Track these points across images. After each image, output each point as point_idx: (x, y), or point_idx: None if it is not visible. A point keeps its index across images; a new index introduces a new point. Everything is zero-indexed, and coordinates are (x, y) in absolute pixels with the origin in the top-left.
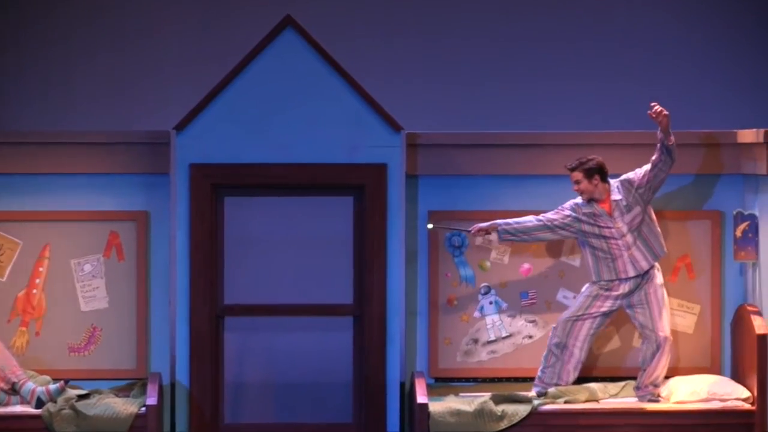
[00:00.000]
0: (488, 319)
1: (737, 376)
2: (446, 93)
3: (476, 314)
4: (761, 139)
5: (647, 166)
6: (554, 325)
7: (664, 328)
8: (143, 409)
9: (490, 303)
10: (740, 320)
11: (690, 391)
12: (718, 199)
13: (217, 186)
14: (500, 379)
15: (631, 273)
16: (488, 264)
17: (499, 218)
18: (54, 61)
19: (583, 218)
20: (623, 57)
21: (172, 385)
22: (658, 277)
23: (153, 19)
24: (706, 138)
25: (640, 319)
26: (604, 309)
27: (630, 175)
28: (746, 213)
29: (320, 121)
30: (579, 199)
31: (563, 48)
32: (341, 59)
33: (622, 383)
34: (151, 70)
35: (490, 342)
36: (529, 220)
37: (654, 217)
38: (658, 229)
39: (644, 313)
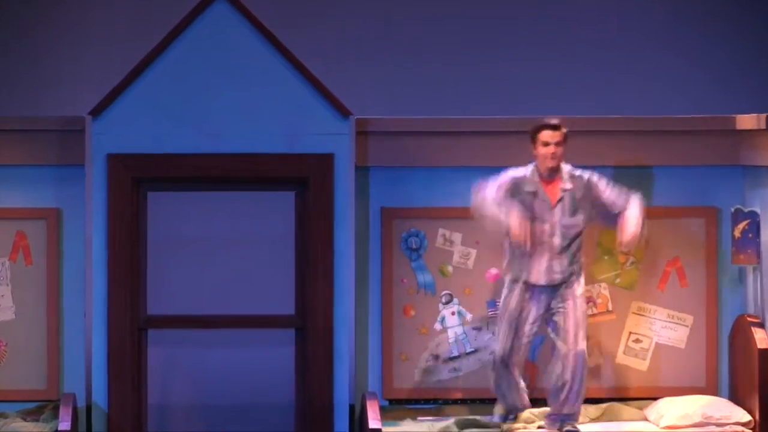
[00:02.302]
0: (450, 332)
1: (736, 397)
2: (400, 74)
3: (437, 326)
4: (763, 126)
5: (610, 194)
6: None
7: (579, 341)
8: None
9: (453, 313)
10: (739, 333)
11: (681, 414)
12: (714, 193)
13: (138, 179)
14: (464, 401)
15: (542, 281)
16: (450, 269)
17: (463, 215)
18: None
19: (527, 199)
20: (605, 37)
21: (88, 408)
22: (579, 287)
23: None
24: (700, 124)
25: (556, 318)
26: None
27: (596, 179)
28: (746, 210)
29: (257, 105)
30: (520, 172)
31: (537, 26)
32: (282, 36)
33: (604, 405)
34: (64, 47)
35: (452, 358)
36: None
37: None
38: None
39: (560, 318)
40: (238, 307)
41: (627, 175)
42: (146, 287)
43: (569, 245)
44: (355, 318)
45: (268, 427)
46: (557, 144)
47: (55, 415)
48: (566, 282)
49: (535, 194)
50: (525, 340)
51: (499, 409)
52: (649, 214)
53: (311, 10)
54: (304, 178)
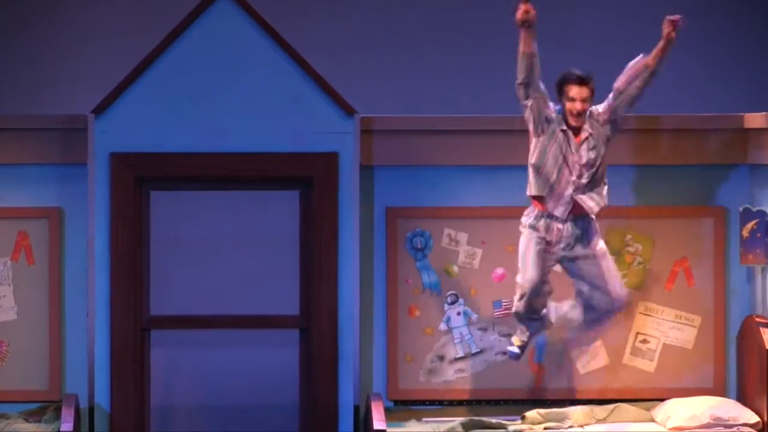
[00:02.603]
0: (456, 333)
1: (744, 398)
2: (406, 72)
3: (442, 326)
4: None
5: (616, 95)
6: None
7: (621, 288)
8: None
9: (458, 314)
10: (748, 334)
11: (689, 416)
12: (722, 193)
13: (141, 179)
14: (470, 402)
15: (559, 212)
16: (456, 268)
17: (468, 215)
18: None
19: (560, 135)
20: (610, 32)
21: (91, 409)
22: (601, 241)
23: None
24: (707, 123)
25: (586, 270)
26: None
27: (598, 109)
28: (755, 209)
29: (261, 104)
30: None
31: (542, 24)
32: (286, 33)
33: (611, 406)
34: (66, 44)
35: (458, 359)
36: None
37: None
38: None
39: (591, 268)
40: (242, 307)
41: (634, 174)
42: (149, 287)
43: (592, 180)
44: (359, 318)
45: (272, 428)
46: (583, 101)
47: (58, 416)
48: (588, 228)
49: (562, 132)
50: (549, 267)
51: (517, 340)
52: (657, 213)
53: (315, 8)
54: (308, 177)
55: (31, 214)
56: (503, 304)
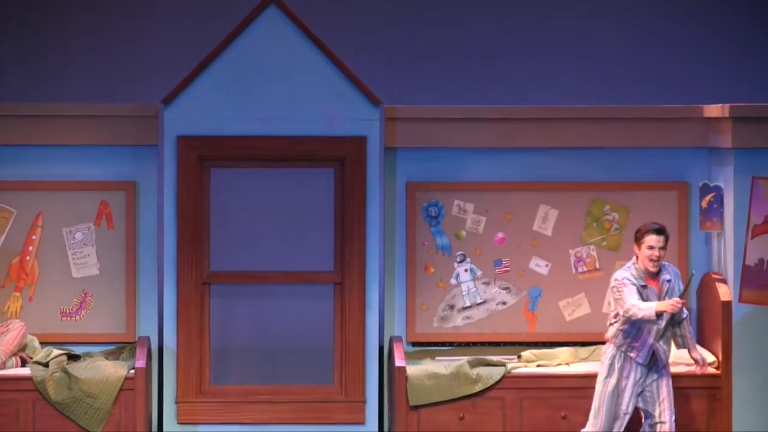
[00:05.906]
0: (464, 286)
1: (703, 342)
2: (425, 68)
3: (452, 281)
4: (726, 114)
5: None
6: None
7: (672, 414)
8: (132, 371)
9: (466, 270)
10: (706, 288)
11: None
12: (685, 171)
13: (203, 157)
14: (475, 344)
15: (641, 360)
16: (464, 233)
17: (475, 189)
18: (47, 35)
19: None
20: (598, 33)
21: (160, 349)
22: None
23: None
24: (674, 112)
25: (649, 390)
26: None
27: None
28: (712, 185)
29: (302, 95)
30: (626, 272)
31: (540, 23)
32: (323, 34)
33: (592, 348)
34: (142, 47)
35: (465, 308)
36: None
37: None
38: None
39: (653, 389)
40: (287, 265)
41: (613, 155)
42: (209, 248)
43: (668, 326)
44: (384, 274)
45: (311, 367)
46: (661, 248)
47: (132, 355)
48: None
49: (645, 287)
50: (623, 416)
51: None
52: (631, 188)
53: (350, 14)
54: (341, 157)
55: (110, 187)
56: (503, 262)
